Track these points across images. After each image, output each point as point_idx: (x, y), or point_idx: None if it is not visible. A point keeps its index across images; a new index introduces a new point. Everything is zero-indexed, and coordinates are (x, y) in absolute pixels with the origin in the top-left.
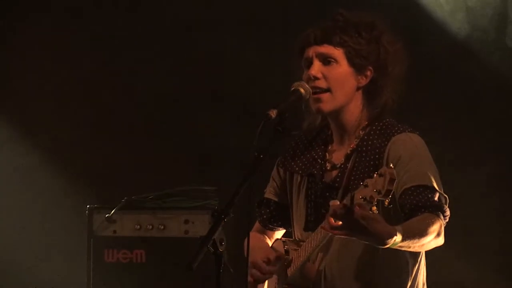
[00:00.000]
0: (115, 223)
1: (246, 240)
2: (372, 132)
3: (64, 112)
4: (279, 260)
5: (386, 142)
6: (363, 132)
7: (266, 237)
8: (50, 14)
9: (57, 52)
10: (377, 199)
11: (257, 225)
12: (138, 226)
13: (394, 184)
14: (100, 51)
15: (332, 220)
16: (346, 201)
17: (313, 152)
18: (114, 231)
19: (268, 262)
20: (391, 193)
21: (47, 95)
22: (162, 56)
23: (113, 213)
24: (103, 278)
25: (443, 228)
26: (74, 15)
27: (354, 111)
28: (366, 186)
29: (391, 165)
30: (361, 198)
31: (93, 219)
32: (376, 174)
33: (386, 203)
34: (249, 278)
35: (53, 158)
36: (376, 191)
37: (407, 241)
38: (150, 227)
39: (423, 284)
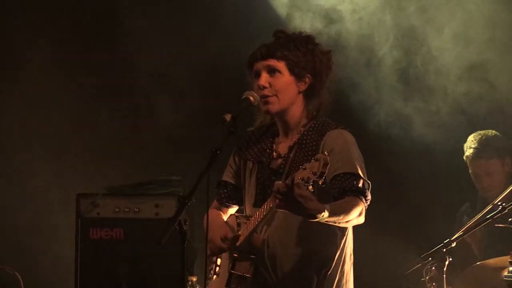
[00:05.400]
0: (99, 206)
1: (205, 216)
2: (310, 129)
3: (56, 111)
4: (233, 239)
5: (321, 137)
6: (304, 129)
7: (222, 213)
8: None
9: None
10: (313, 180)
11: (215, 203)
12: (117, 209)
13: (327, 167)
14: (82, 45)
15: (276, 196)
16: (288, 181)
17: (263, 144)
18: (98, 213)
19: (224, 239)
20: (325, 175)
21: (38, 91)
22: (137, 52)
23: (97, 198)
24: (89, 252)
25: (364, 209)
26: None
27: (296, 111)
28: (304, 169)
29: (326, 153)
30: (300, 178)
31: (80, 203)
32: (313, 159)
33: (320, 183)
34: (208, 252)
35: (47, 153)
36: (313, 173)
37: (333, 218)
38: (127, 210)
39: (350, 255)
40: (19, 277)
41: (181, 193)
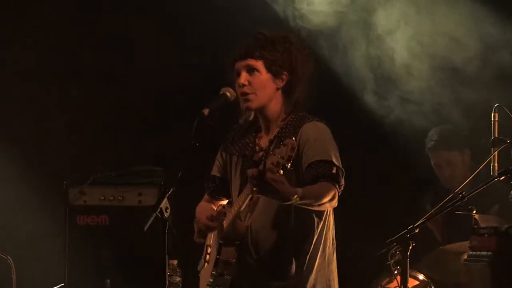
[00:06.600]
0: (86, 194)
1: (198, 207)
2: (289, 123)
3: (40, 107)
4: (218, 217)
5: (298, 129)
6: (283, 123)
7: (213, 205)
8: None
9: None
10: (282, 164)
11: (206, 196)
12: (103, 197)
13: (294, 151)
14: (68, 40)
15: (251, 181)
16: (261, 167)
17: (246, 139)
18: (85, 201)
19: (210, 218)
20: (292, 158)
21: (19, 84)
22: (128, 54)
23: (84, 187)
24: (76, 237)
25: (337, 194)
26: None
27: (276, 106)
28: (274, 154)
29: (293, 138)
30: (271, 163)
31: (68, 192)
32: (281, 144)
33: (288, 166)
34: (195, 229)
35: (38, 143)
36: (281, 157)
37: (305, 200)
38: (112, 198)
39: (332, 239)
40: (11, 260)
41: (162, 183)
